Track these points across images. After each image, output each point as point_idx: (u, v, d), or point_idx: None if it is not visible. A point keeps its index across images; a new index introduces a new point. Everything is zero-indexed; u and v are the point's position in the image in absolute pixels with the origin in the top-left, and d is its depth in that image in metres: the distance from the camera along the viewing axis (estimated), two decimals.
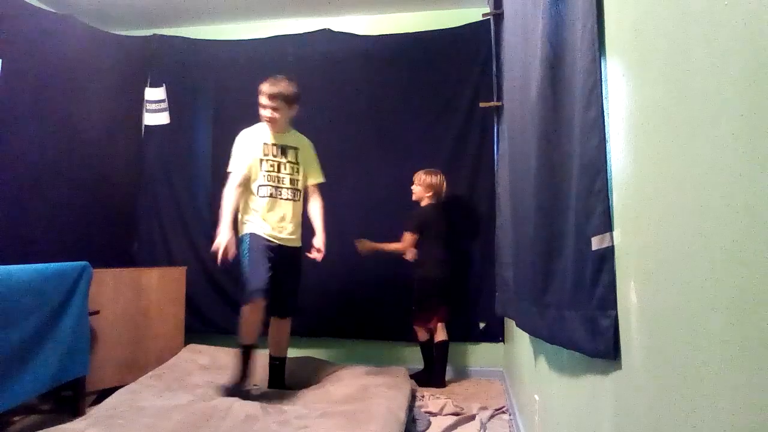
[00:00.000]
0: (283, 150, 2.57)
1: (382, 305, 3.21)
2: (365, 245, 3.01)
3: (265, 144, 2.53)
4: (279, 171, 2.54)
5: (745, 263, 0.46)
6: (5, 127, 2.72)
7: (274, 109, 2.47)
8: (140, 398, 2.15)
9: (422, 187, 3.02)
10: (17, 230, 2.73)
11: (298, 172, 2.61)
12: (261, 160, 2.51)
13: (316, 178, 2.71)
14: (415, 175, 3.05)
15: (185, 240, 3.45)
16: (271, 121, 2.49)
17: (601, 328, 0.87)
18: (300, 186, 2.62)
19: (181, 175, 3.50)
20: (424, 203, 3.04)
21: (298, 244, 2.62)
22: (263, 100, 2.48)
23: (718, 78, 0.51)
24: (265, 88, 2.48)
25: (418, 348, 3.01)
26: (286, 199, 2.54)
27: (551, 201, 1.15)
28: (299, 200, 2.62)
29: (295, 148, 2.62)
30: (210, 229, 3.44)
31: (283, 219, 2.52)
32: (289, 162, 2.57)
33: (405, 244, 2.97)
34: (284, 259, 2.50)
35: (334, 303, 3.29)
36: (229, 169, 2.47)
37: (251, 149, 2.50)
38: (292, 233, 2.56)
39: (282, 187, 2.54)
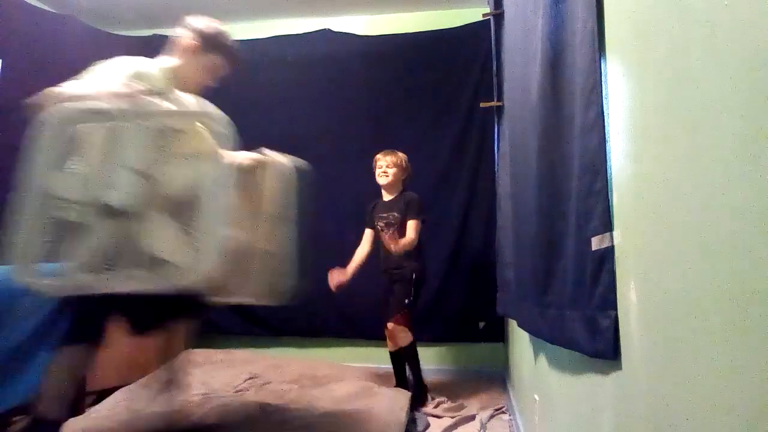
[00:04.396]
0: None
1: (381, 305, 3.20)
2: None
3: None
4: None
5: (745, 263, 0.46)
6: (4, 127, 2.71)
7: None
8: (140, 398, 2.15)
9: (399, 169, 2.63)
10: None
11: None
12: None
13: None
14: (384, 157, 2.65)
15: None
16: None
17: (601, 328, 0.87)
18: None
19: None
20: (396, 189, 2.66)
21: None
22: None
23: (718, 78, 0.51)
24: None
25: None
26: None
27: (551, 201, 1.15)
28: None
29: None
30: None
31: None
32: None
33: (415, 235, 2.51)
34: None
35: (334, 303, 3.28)
36: None
37: None
38: None
39: None
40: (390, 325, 2.49)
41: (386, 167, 2.63)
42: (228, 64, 1.77)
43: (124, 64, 1.58)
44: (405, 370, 2.56)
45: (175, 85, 1.69)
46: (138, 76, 1.52)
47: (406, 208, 2.58)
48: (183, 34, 1.73)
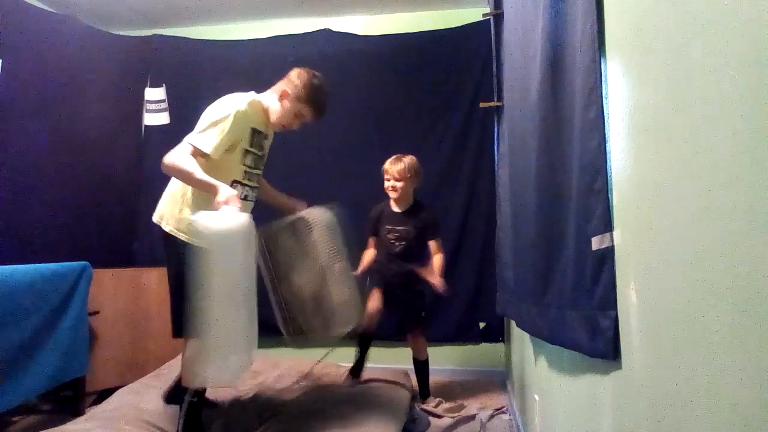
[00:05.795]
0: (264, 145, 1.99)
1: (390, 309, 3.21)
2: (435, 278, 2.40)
3: (254, 130, 1.88)
4: (256, 168, 1.96)
5: (745, 263, 0.46)
6: (5, 127, 2.72)
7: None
8: (140, 398, 2.15)
9: (407, 180, 2.44)
10: (17, 230, 2.73)
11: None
12: (246, 152, 1.87)
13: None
14: (391, 168, 2.45)
15: None
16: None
17: (601, 328, 0.87)
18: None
19: None
20: (407, 200, 2.52)
21: None
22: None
23: (718, 78, 0.51)
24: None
25: None
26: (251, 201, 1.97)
27: (551, 201, 1.15)
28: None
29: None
30: None
31: None
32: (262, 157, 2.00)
33: (442, 253, 2.49)
34: None
35: None
36: (201, 145, 1.76)
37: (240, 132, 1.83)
38: None
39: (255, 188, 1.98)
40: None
41: (394, 181, 2.45)
42: (315, 116, 1.93)
43: (226, 106, 1.81)
44: (365, 359, 2.57)
45: (264, 121, 1.92)
46: (239, 115, 1.77)
47: (424, 227, 2.49)
48: (288, 81, 1.89)
